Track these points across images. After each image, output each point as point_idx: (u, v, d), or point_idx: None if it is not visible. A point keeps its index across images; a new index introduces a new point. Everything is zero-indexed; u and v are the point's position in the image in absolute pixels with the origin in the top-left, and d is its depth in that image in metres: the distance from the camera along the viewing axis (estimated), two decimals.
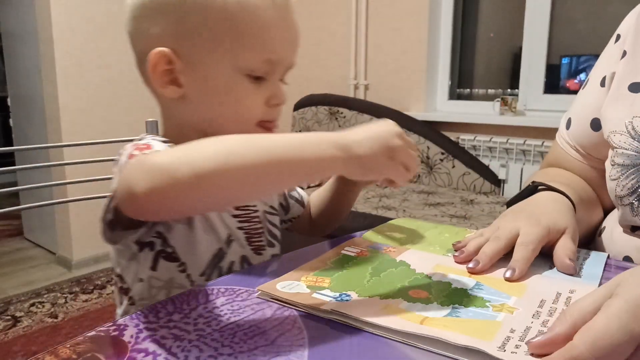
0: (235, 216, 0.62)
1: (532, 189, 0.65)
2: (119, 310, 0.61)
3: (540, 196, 0.62)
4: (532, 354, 0.34)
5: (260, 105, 0.58)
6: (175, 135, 0.59)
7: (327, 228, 0.78)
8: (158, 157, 0.43)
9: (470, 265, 0.51)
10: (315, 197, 0.78)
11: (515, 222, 0.55)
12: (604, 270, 0.52)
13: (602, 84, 0.69)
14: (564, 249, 0.52)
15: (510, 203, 0.65)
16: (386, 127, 0.47)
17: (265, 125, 0.60)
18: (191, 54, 0.55)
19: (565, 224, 0.55)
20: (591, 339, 0.32)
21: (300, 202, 0.76)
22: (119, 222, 0.52)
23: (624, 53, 0.66)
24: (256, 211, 0.65)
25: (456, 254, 0.54)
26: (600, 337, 0.32)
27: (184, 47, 0.55)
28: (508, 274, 0.48)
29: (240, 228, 0.62)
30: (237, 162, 0.42)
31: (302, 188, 0.79)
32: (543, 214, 0.56)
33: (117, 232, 0.54)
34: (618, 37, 0.69)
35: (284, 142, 0.44)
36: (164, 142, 0.57)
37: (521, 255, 0.50)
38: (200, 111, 0.58)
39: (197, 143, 0.44)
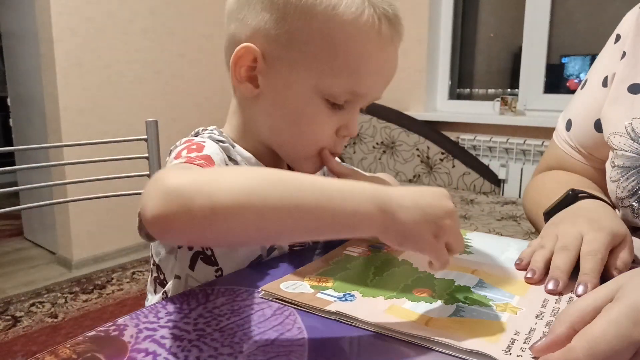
0: None
1: (572, 197, 0.60)
2: (152, 297, 0.60)
3: (587, 203, 0.58)
4: (535, 358, 0.34)
5: (329, 133, 0.56)
6: (235, 132, 0.57)
7: None
8: (178, 178, 0.37)
9: (550, 287, 0.46)
10: None
11: (576, 227, 0.51)
12: None
13: (604, 84, 0.68)
14: (620, 261, 0.49)
15: (550, 213, 0.60)
16: (440, 202, 0.41)
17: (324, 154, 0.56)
18: (277, 60, 0.53)
19: (625, 230, 0.51)
20: (589, 344, 0.32)
21: None
22: None
23: (624, 54, 0.65)
24: None
25: (515, 267, 0.51)
26: (598, 342, 0.32)
27: (273, 51, 0.53)
28: (580, 291, 0.44)
29: None
30: (258, 202, 0.36)
31: None
32: (601, 219, 0.52)
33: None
34: (618, 37, 0.69)
35: (317, 186, 0.39)
36: (220, 141, 0.54)
37: (591, 267, 0.46)
38: (266, 118, 0.56)
39: (222, 171, 0.40)
